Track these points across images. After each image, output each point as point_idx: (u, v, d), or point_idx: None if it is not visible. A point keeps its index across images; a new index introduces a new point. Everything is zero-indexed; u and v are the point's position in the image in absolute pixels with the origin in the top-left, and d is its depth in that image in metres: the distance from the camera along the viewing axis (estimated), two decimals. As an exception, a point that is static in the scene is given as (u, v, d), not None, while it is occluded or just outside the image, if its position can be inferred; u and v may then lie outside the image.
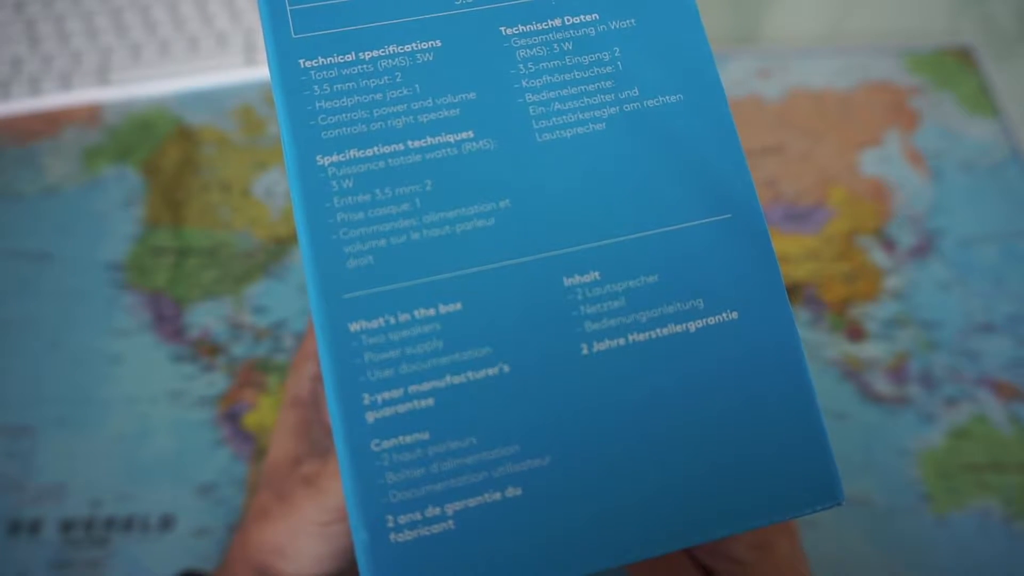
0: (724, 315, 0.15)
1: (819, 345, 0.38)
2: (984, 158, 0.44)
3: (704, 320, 0.15)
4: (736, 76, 0.47)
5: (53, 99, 0.46)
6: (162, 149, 0.44)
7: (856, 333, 0.38)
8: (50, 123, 0.45)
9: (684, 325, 0.15)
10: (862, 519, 0.33)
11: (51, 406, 0.37)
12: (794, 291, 0.39)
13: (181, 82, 0.46)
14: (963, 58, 0.47)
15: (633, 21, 0.17)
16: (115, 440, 0.36)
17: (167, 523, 0.34)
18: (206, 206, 0.42)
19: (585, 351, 0.15)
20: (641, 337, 0.15)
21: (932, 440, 0.35)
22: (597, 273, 0.15)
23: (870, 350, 0.37)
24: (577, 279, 0.15)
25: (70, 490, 0.35)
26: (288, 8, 0.17)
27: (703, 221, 0.16)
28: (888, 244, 0.41)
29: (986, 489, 0.34)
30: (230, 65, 0.46)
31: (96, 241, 0.41)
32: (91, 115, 0.46)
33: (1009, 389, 0.36)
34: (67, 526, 0.34)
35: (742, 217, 0.16)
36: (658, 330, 0.15)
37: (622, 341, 0.15)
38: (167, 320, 0.39)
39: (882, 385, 0.36)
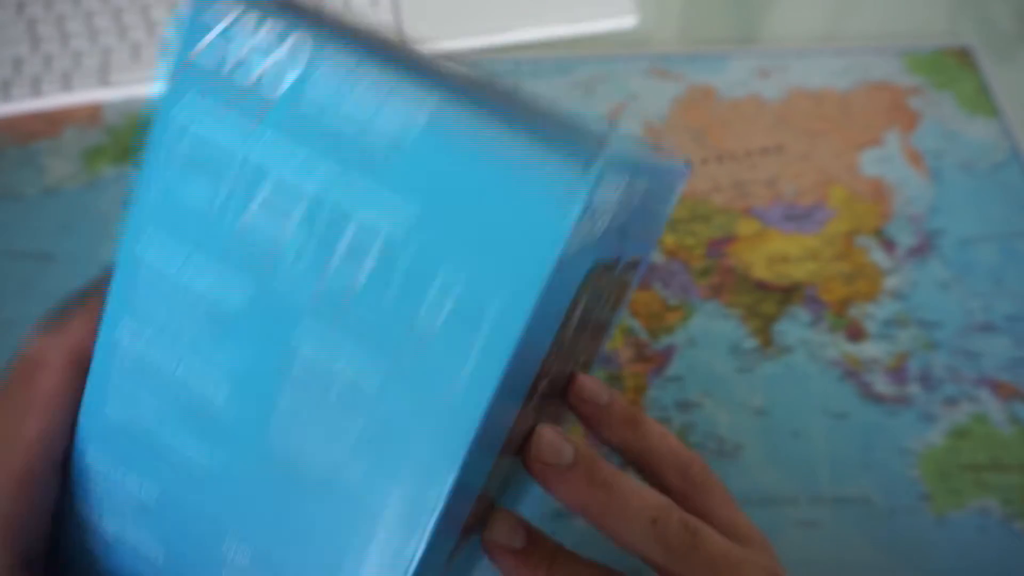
0: None
1: (819, 345, 0.38)
2: (984, 158, 0.44)
3: None
4: (736, 76, 0.47)
5: (54, 99, 0.46)
6: (163, 149, 0.44)
7: (856, 333, 0.38)
8: (51, 123, 0.46)
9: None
10: (862, 519, 0.33)
11: (52, 406, 0.37)
12: (794, 291, 0.39)
13: (181, 82, 0.46)
14: (962, 58, 0.47)
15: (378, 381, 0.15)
16: (116, 440, 0.36)
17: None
18: (207, 206, 0.42)
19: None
20: None
21: (932, 440, 0.35)
22: (249, 552, 0.17)
23: (870, 350, 0.37)
24: (233, 548, 0.17)
25: (71, 490, 0.35)
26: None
27: None
28: (888, 244, 0.41)
29: (986, 489, 0.34)
30: (230, 65, 0.46)
31: (97, 241, 0.41)
32: (92, 115, 0.46)
33: (1009, 389, 0.36)
34: (68, 526, 0.34)
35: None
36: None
37: None
38: (168, 320, 0.39)
39: (882, 385, 0.37)
